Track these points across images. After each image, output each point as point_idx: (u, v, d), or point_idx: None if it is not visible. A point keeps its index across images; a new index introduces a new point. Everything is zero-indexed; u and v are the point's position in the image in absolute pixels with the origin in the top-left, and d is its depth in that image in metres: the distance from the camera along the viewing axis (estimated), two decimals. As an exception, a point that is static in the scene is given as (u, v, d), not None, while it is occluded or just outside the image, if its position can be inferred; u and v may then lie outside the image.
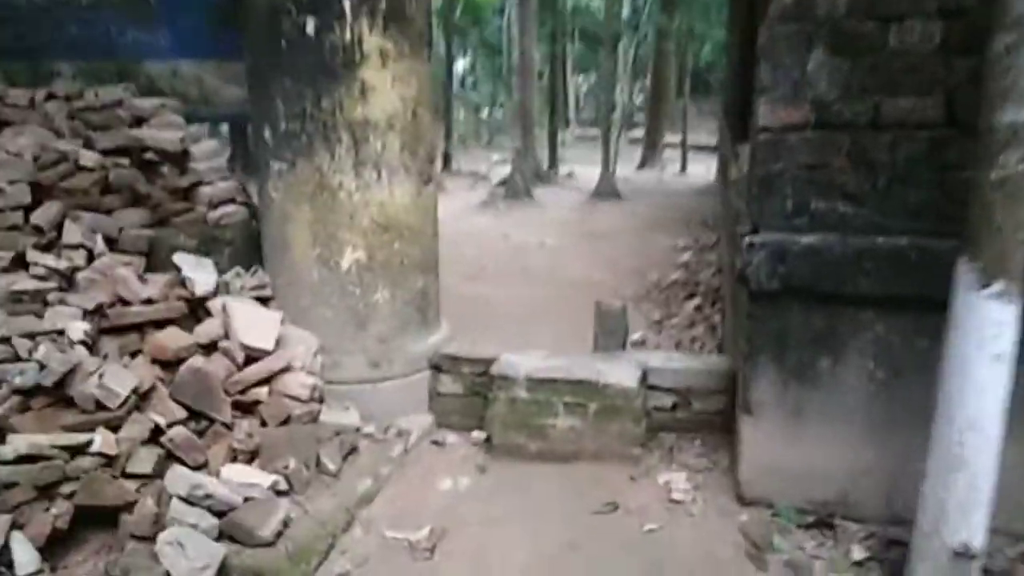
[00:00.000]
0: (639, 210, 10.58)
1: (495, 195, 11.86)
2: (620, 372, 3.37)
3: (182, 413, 2.89)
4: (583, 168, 17.42)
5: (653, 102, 17.23)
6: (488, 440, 3.52)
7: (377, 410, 3.61)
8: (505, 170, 15.96)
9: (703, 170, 16.01)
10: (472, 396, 3.70)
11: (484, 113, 29.76)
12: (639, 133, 26.74)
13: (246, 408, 3.12)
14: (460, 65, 32.51)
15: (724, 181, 8.14)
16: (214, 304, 3.37)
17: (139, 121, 3.84)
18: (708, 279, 6.08)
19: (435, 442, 3.62)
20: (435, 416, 3.75)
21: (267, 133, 3.51)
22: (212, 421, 2.97)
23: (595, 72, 34.53)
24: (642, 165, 16.68)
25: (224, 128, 11.87)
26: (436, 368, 3.76)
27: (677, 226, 9.30)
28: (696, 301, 5.64)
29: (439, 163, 16.55)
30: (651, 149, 16.83)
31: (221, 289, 3.51)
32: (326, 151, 3.42)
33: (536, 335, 5.31)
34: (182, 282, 3.38)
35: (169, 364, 3.03)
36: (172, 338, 3.09)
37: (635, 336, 5.25)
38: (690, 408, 3.42)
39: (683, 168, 15.59)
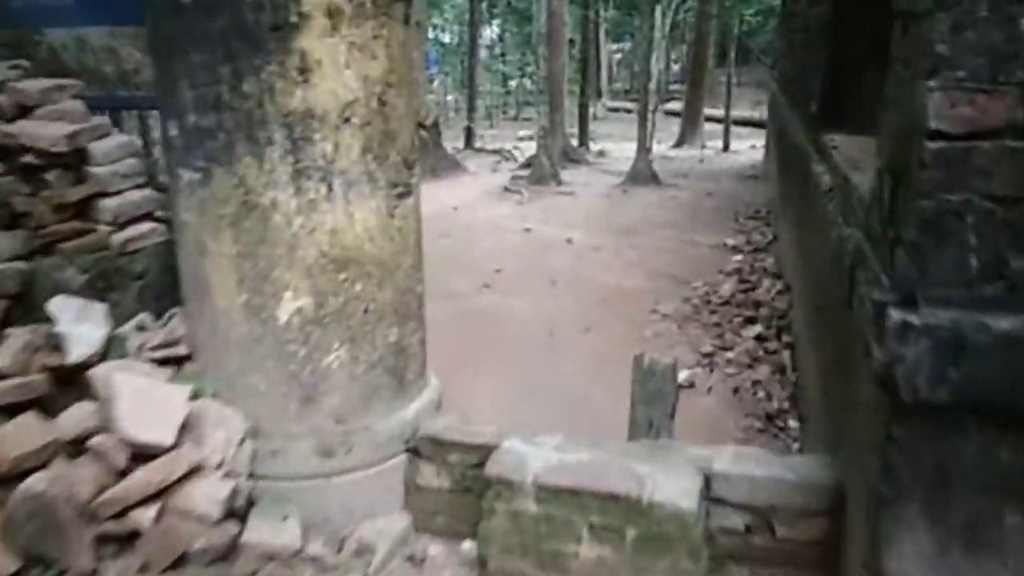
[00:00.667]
0: (679, 198, 9.40)
1: (519, 179, 10.75)
2: (671, 482, 2.32)
3: (11, 566, 1.91)
4: (616, 145, 16.20)
5: (693, 71, 15.81)
6: (483, 564, 2.52)
7: (332, 513, 2.62)
8: (532, 148, 14.84)
9: (747, 148, 14.71)
10: (463, 492, 2.69)
11: (512, 84, 28.39)
12: (675, 105, 25.31)
13: (124, 541, 2.14)
14: (488, 32, 31.20)
15: (781, 166, 6.95)
16: (97, 374, 2.38)
17: (24, 110, 2.85)
18: (769, 298, 4.97)
19: (410, 558, 2.63)
20: (413, 516, 2.75)
21: (173, 129, 2.48)
22: (62, 573, 2.00)
23: (629, 39, 32.92)
24: (680, 142, 15.37)
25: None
26: (414, 452, 2.74)
27: (724, 219, 8.13)
28: (757, 329, 4.54)
29: (460, 141, 15.44)
30: (690, 124, 15.50)
31: (114, 348, 2.53)
32: (252, 156, 2.38)
33: (556, 377, 4.28)
34: (54, 343, 2.40)
35: (9, 480, 2.06)
36: (16, 438, 2.11)
37: (681, 377, 4.18)
38: (772, 534, 2.36)
39: (726, 146, 14.28)
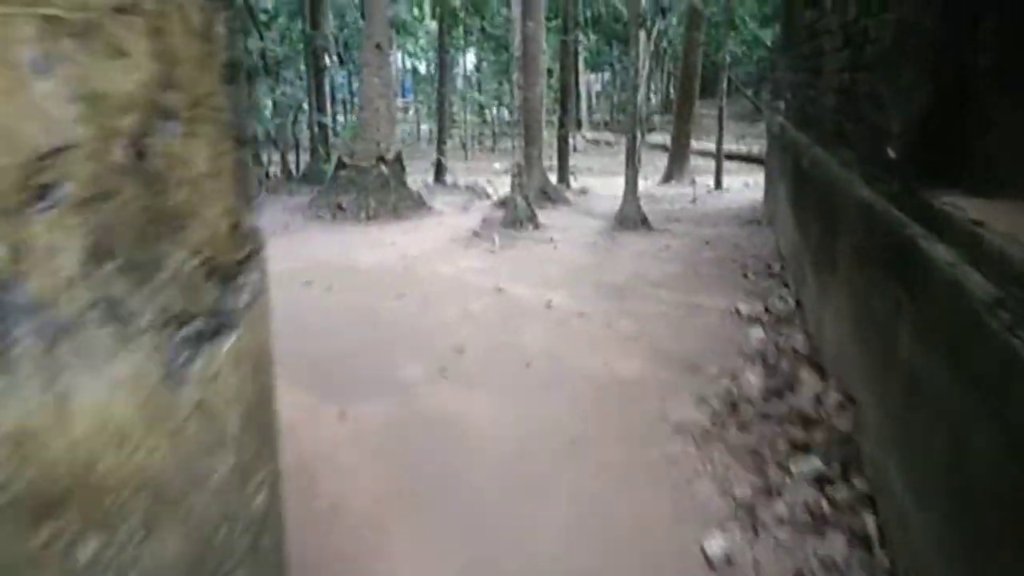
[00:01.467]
0: (675, 247, 8.13)
1: (491, 222, 9.44)
2: None
3: None
4: (598, 180, 15.01)
5: (681, 103, 14.74)
6: None
7: None
8: (508, 182, 13.62)
9: (739, 185, 13.58)
10: None
11: (489, 114, 27.31)
12: (657, 138, 24.35)
13: None
14: (466, 61, 30.21)
15: (801, 215, 5.71)
16: None
17: None
18: (821, 411, 3.63)
19: None
20: None
21: None
22: None
23: (609, 69, 32.14)
24: (668, 177, 14.23)
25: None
26: None
27: (730, 275, 6.85)
28: (815, 464, 3.20)
29: (430, 174, 14.18)
30: (678, 159, 14.37)
31: None
32: None
33: (525, 546, 2.91)
34: None
35: None
36: None
37: (713, 546, 2.83)
38: None
39: (718, 183, 13.11)
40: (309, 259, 8.05)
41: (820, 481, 3.12)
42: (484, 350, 5.12)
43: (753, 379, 4.34)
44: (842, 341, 3.72)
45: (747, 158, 17.93)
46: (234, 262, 1.42)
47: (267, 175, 14.23)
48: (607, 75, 34.48)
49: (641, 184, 12.25)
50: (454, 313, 5.95)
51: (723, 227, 9.20)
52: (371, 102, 10.57)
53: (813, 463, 3.21)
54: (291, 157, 14.48)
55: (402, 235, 9.31)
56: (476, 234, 8.96)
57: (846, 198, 3.81)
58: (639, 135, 9.48)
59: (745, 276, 6.73)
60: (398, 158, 10.85)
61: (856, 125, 3.86)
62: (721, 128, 13.13)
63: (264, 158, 14.69)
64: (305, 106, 13.85)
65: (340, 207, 10.16)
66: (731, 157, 16.14)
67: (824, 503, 2.99)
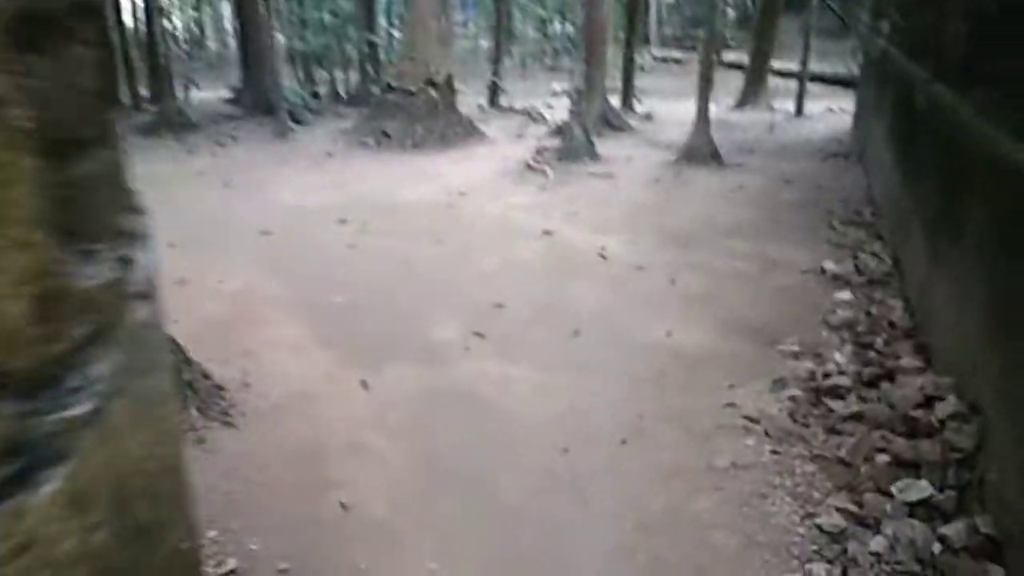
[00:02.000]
0: (749, 187, 7.29)
1: (545, 152, 8.70)
2: None
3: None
4: (664, 104, 13.91)
5: (763, 17, 13.27)
6: None
7: None
8: (566, 106, 12.71)
9: (822, 111, 12.33)
10: None
11: (552, 30, 25.84)
12: (731, 56, 22.60)
13: None
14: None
15: (906, 155, 4.86)
16: None
17: None
18: (932, 416, 2.95)
19: None
20: None
21: None
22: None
23: (680, -19, 29.90)
24: (743, 102, 13.03)
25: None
26: None
27: (813, 223, 6.05)
28: (923, 489, 2.57)
29: (482, 97, 13.37)
30: (756, 81, 13.11)
31: None
32: None
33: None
34: None
35: None
36: None
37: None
38: None
39: (799, 109, 11.90)
40: (348, 192, 7.54)
41: (931, 514, 2.50)
42: (527, 308, 4.56)
43: (842, 360, 3.67)
44: (965, 331, 3.01)
45: (832, 80, 16.32)
46: (46, 362, 0.87)
47: (315, 95, 13.66)
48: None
49: (713, 109, 11.23)
50: (496, 262, 5.37)
51: (804, 162, 8.25)
52: (421, 19, 9.76)
53: (922, 489, 2.58)
54: (340, 76, 13.84)
55: (449, 165, 8.69)
56: (529, 166, 8.26)
57: (984, 156, 3.01)
58: (714, 57, 8.45)
59: (831, 225, 5.91)
60: (448, 81, 10.10)
61: (1005, 62, 3.01)
62: (807, 47, 11.77)
63: (315, 77, 14.10)
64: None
65: (385, 134, 9.56)
66: (814, 79, 14.72)
67: (935, 545, 2.38)
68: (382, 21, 13.55)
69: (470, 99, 14.63)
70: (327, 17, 12.36)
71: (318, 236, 6.11)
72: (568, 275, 5.08)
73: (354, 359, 3.96)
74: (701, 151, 8.01)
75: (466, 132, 9.97)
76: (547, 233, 5.94)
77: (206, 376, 3.59)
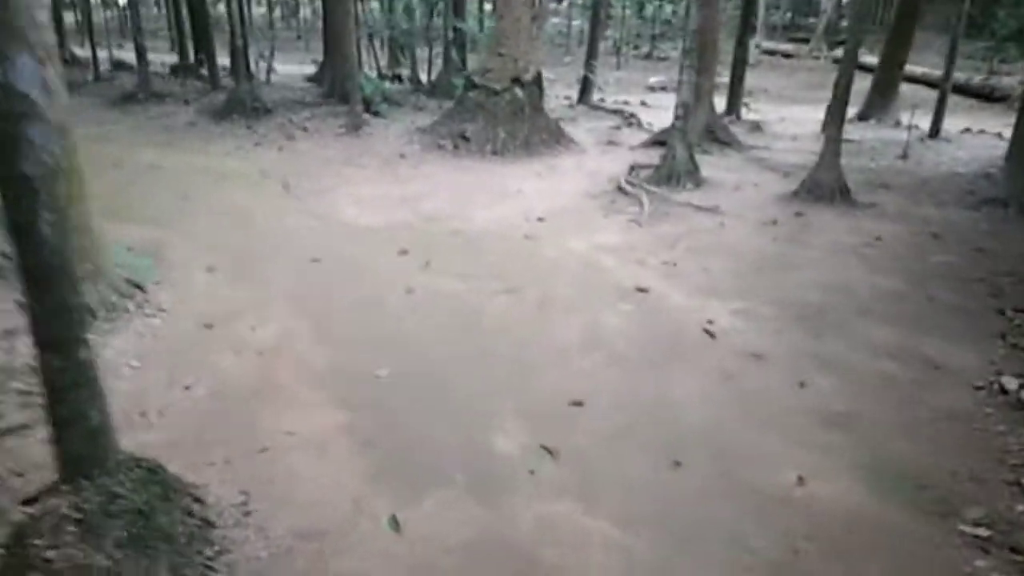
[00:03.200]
0: (889, 239, 6.05)
1: (640, 172, 7.64)
2: None
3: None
4: (775, 109, 12.53)
5: (902, 11, 11.51)
6: None
7: None
8: (664, 103, 11.58)
9: (958, 130, 10.72)
10: None
11: (649, 11, 24.32)
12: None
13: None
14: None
15: None
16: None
17: None
18: None
19: None
20: None
21: None
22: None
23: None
24: (865, 114, 11.53)
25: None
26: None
27: (977, 304, 4.83)
28: None
29: (572, 90, 12.35)
30: (884, 90, 11.55)
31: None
32: None
33: None
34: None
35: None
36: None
37: None
38: None
39: (935, 129, 10.33)
40: (416, 211, 6.71)
41: None
42: (614, 412, 3.60)
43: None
44: None
45: (973, 92, 14.37)
46: None
47: (399, 79, 12.90)
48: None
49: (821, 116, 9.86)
50: (578, 328, 4.42)
51: (952, 208, 6.89)
52: (512, 8, 8.78)
53: None
54: (425, 63, 13.03)
55: (531, 179, 7.74)
56: (621, 189, 7.22)
57: None
58: (847, 67, 7.05)
59: (1002, 312, 4.68)
60: (537, 80, 9.10)
61: None
62: (954, 51, 10.08)
63: (402, 62, 13.32)
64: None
65: (464, 137, 8.67)
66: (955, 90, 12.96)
67: None
68: (473, 6, 12.60)
69: (559, 91, 13.60)
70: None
71: (374, 270, 5.30)
72: (666, 360, 4.09)
73: (389, 476, 3.11)
74: (828, 186, 6.78)
75: (552, 138, 8.98)
76: (641, 291, 4.94)
77: (197, 501, 2.81)
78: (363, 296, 4.88)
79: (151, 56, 16.29)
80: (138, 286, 4.70)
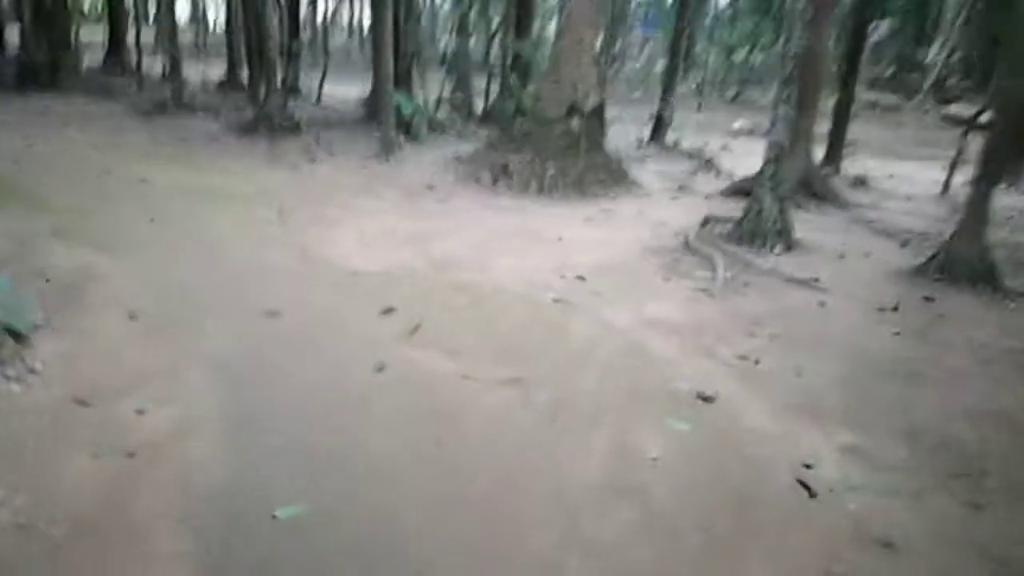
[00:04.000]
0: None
1: (715, 226, 6.13)
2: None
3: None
4: (880, 165, 10.78)
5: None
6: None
7: None
8: (746, 149, 10.05)
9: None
10: None
11: (737, 57, 22.79)
12: (958, 108, 18.57)
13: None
14: (719, -4, 25.61)
15: None
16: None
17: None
18: None
19: None
20: None
21: None
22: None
23: (897, 14, 25.80)
24: (1006, 178, 9.62)
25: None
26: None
27: None
28: None
29: (645, 129, 10.94)
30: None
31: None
32: None
33: None
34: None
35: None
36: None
37: None
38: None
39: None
40: (426, 253, 5.36)
41: None
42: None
43: None
44: None
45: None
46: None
47: (453, 106, 11.76)
48: (888, 21, 27.85)
49: (957, 182, 8.11)
50: (602, 458, 2.92)
51: None
52: (573, 31, 7.50)
53: None
54: (481, 88, 11.89)
55: (578, 226, 6.31)
56: (689, 246, 5.71)
57: None
58: (1004, 118, 5.41)
59: None
60: (598, 110, 7.74)
61: None
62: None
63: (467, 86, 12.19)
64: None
65: (505, 170, 7.35)
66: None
67: None
68: (538, 27, 11.42)
69: (629, 129, 12.22)
70: (472, 16, 10.39)
71: (343, 332, 3.94)
72: (735, 536, 2.54)
73: None
74: (968, 264, 5.09)
75: (611, 179, 7.55)
76: (704, 399, 3.41)
77: None
78: (313, 373, 3.52)
79: (210, 72, 15.80)
80: (14, 333, 3.48)
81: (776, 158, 5.87)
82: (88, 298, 4.21)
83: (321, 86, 13.09)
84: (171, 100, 10.73)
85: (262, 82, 9.39)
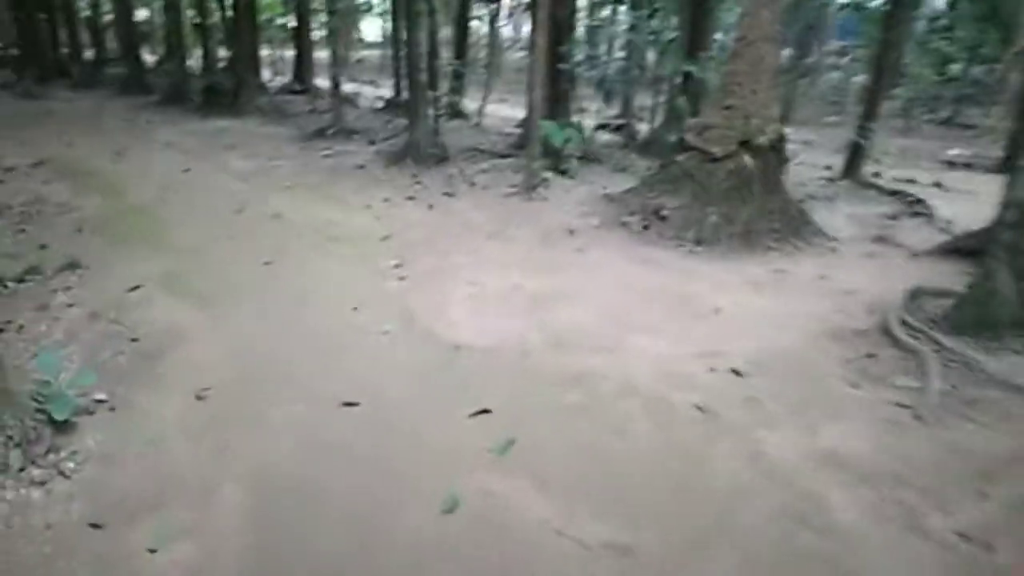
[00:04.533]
0: None
1: (924, 303, 4.73)
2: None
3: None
4: None
5: None
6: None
7: None
8: (968, 192, 8.33)
9: None
10: None
11: (955, 69, 19.77)
12: None
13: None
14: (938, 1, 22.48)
15: None
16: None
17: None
18: None
19: None
20: None
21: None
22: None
23: None
24: None
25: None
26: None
27: None
28: None
29: (834, 159, 9.40)
30: None
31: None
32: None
33: None
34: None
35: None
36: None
37: None
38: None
39: None
40: (544, 319, 4.51)
41: None
42: None
43: None
44: None
45: None
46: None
47: (617, 127, 10.84)
48: None
49: None
50: None
51: None
52: (751, 47, 6.33)
53: None
54: (649, 113, 10.84)
55: (742, 291, 5.17)
56: (889, 332, 4.39)
57: None
58: None
59: None
60: (777, 144, 6.49)
61: None
62: None
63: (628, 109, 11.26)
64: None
65: (659, 215, 6.32)
66: None
67: None
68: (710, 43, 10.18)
69: (816, 157, 10.63)
70: (631, 33, 9.37)
71: (416, 444, 3.20)
72: None
73: None
74: None
75: (789, 229, 6.27)
76: None
77: None
78: (365, 505, 2.79)
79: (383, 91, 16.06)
80: (55, 421, 3.07)
81: (1017, 221, 4.38)
82: (164, 367, 3.82)
83: (482, 108, 12.70)
84: (331, 124, 10.76)
85: (417, 106, 9.02)
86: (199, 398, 3.53)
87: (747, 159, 6.34)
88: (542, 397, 3.60)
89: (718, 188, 6.27)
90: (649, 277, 5.40)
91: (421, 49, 8.78)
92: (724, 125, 6.47)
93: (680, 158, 6.68)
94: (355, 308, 4.62)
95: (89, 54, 18.93)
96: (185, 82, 13.89)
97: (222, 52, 13.88)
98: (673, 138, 8.17)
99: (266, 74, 17.85)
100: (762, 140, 6.37)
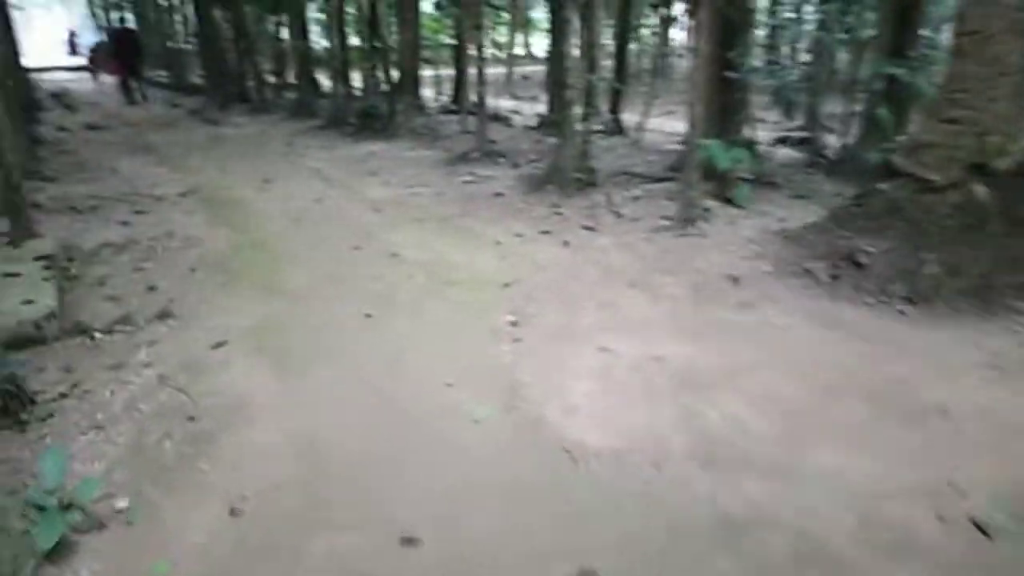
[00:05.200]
0: None
1: None
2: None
3: None
4: None
5: None
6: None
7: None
8: None
9: None
10: None
11: None
12: None
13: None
14: None
15: None
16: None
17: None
18: None
19: None
20: None
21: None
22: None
23: None
24: None
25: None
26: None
27: None
28: None
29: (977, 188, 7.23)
30: None
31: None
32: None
33: None
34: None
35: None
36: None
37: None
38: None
39: None
40: (693, 412, 3.38)
41: None
42: None
43: None
44: None
45: None
46: None
47: (803, 142, 9.28)
48: None
49: None
50: None
51: None
52: (986, 42, 4.75)
53: None
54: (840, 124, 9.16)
55: (973, 377, 3.70)
56: None
57: None
58: None
59: None
60: (1023, 170, 4.84)
61: None
62: None
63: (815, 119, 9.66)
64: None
65: (855, 261, 4.91)
66: None
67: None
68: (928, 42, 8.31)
69: None
70: (820, 30, 7.79)
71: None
72: None
73: None
74: None
75: (1042, 284, 4.61)
76: None
77: None
78: None
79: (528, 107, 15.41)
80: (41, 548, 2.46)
81: None
82: (211, 460, 3.16)
83: (643, 123, 11.56)
84: (476, 147, 10.15)
85: (564, 126, 8.13)
86: (233, 514, 2.81)
87: (980, 189, 4.77)
88: (676, 557, 2.50)
89: (939, 227, 4.76)
90: (840, 350, 4.07)
91: (569, 62, 7.86)
92: (947, 144, 4.94)
93: (885, 186, 5.21)
94: (450, 384, 3.76)
95: (272, 79, 19.95)
96: (346, 105, 14.01)
97: (382, 73, 13.81)
98: (873, 158, 6.61)
99: (428, 94, 17.79)
100: (1002, 164, 4.77)
